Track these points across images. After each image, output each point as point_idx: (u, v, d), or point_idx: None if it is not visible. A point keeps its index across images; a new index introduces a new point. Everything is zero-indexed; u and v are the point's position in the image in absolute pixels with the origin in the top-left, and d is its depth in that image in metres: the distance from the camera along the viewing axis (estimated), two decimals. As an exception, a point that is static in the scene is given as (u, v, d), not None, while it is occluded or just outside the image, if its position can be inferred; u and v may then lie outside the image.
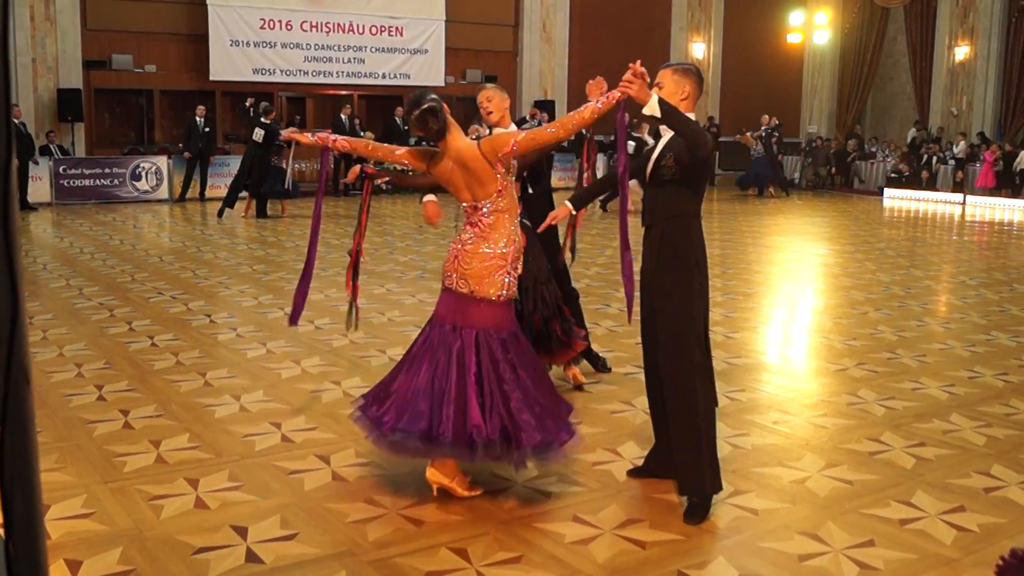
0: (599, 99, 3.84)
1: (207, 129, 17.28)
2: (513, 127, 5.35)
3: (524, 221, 5.34)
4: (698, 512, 3.91)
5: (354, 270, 4.64)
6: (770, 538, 3.76)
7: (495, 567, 3.50)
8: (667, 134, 4.05)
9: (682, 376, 3.90)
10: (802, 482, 4.36)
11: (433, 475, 4.03)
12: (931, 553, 3.67)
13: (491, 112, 5.43)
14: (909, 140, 22.78)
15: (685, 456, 3.92)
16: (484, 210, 3.96)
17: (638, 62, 3.73)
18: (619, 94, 3.72)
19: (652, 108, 3.65)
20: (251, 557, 3.55)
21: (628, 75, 3.67)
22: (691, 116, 3.89)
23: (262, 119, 15.06)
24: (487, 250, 3.96)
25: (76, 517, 3.87)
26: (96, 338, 7.00)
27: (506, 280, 3.96)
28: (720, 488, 3.99)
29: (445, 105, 4.00)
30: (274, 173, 15.05)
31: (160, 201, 17.53)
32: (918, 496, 4.21)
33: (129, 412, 5.24)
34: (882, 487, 4.32)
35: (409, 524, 3.85)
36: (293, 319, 4.50)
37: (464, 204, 4.04)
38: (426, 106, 3.91)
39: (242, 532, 3.74)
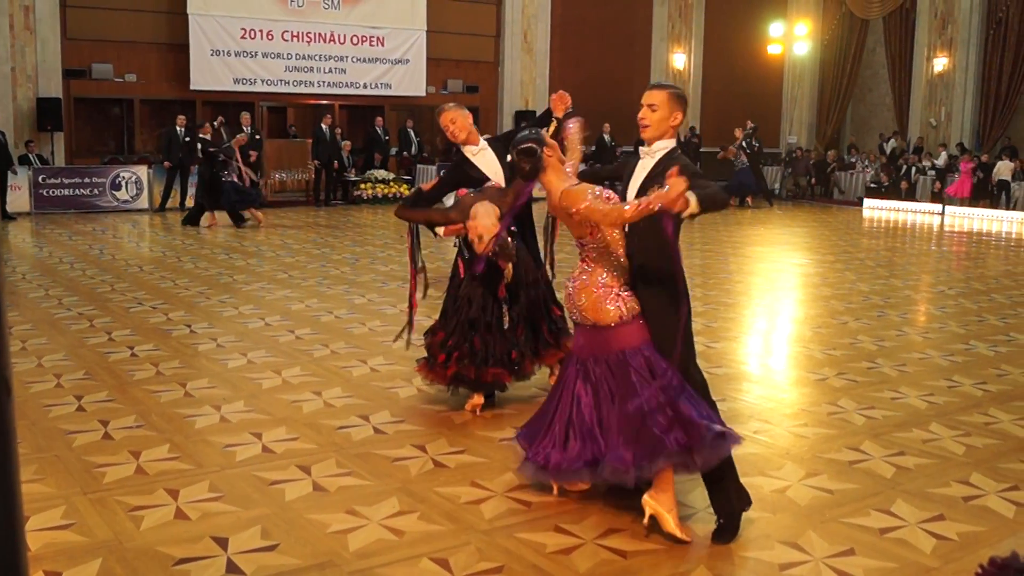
0: (648, 200, 3.49)
1: (187, 139, 17.21)
2: (483, 142, 5.46)
3: (512, 228, 5.39)
4: (727, 532, 3.87)
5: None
6: (751, 547, 3.78)
7: (477, 577, 3.49)
8: (651, 157, 3.94)
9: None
10: (783, 491, 4.38)
11: (650, 502, 3.83)
12: (911, 562, 3.70)
13: (457, 134, 5.50)
14: (888, 151, 22.94)
15: (711, 479, 3.90)
16: (588, 247, 3.97)
17: (675, 169, 3.49)
18: (660, 205, 3.47)
19: (693, 209, 3.47)
20: (232, 568, 3.53)
21: (675, 192, 3.39)
22: (672, 143, 3.91)
23: (199, 134, 15.11)
24: (591, 284, 3.93)
25: (56, 528, 3.85)
26: (75, 348, 6.95)
27: (619, 305, 3.89)
28: (748, 502, 3.94)
29: (546, 147, 4.01)
30: (227, 187, 14.77)
31: (140, 211, 17.43)
32: (898, 505, 4.23)
33: (109, 423, 5.20)
34: (862, 496, 4.35)
35: (390, 534, 3.84)
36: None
37: (576, 240, 4.05)
38: (522, 147, 3.99)
39: (223, 543, 3.72)
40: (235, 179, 14.79)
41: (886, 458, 4.86)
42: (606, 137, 21.23)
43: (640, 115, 3.90)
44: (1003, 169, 19.43)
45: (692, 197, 3.44)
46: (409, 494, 4.26)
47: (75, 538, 3.76)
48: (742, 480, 3.99)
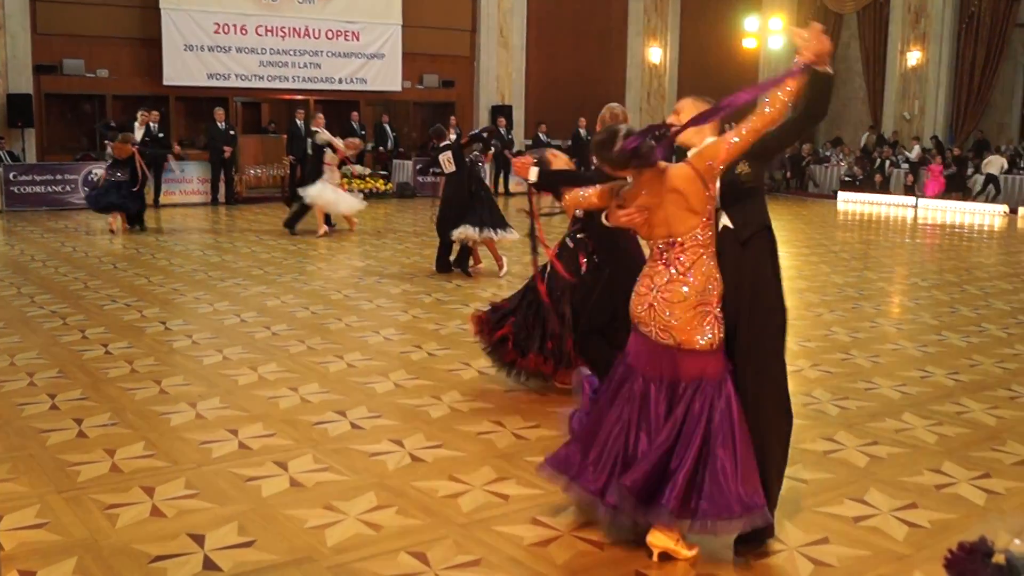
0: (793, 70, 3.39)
1: (161, 134, 17.15)
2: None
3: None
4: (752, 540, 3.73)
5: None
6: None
7: (454, 570, 3.52)
8: (701, 138, 3.65)
9: (775, 438, 3.71)
10: (758, 482, 4.42)
11: (656, 542, 3.60)
12: (884, 549, 3.75)
13: None
14: (863, 144, 23.14)
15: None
16: (684, 245, 3.54)
17: (817, 26, 3.36)
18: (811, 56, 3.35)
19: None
20: (209, 565, 3.53)
21: (812, 33, 3.32)
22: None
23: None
24: (688, 298, 3.51)
25: (30, 527, 3.83)
26: (49, 347, 6.90)
27: (715, 329, 3.54)
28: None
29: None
30: (110, 186, 13.49)
31: (113, 207, 17.30)
32: (871, 494, 4.29)
33: (83, 421, 5.18)
34: (836, 485, 4.41)
35: (368, 529, 3.85)
36: None
37: (656, 242, 3.63)
38: (631, 141, 3.49)
39: (199, 540, 3.72)
40: (126, 177, 13.41)
41: (860, 448, 4.92)
42: (581, 131, 21.31)
43: (669, 122, 3.68)
44: (994, 163, 19.57)
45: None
46: (386, 489, 4.27)
47: (50, 537, 3.75)
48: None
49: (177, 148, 16.20)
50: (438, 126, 10.68)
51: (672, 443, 3.51)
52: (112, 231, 13.26)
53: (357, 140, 14.58)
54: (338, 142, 13.33)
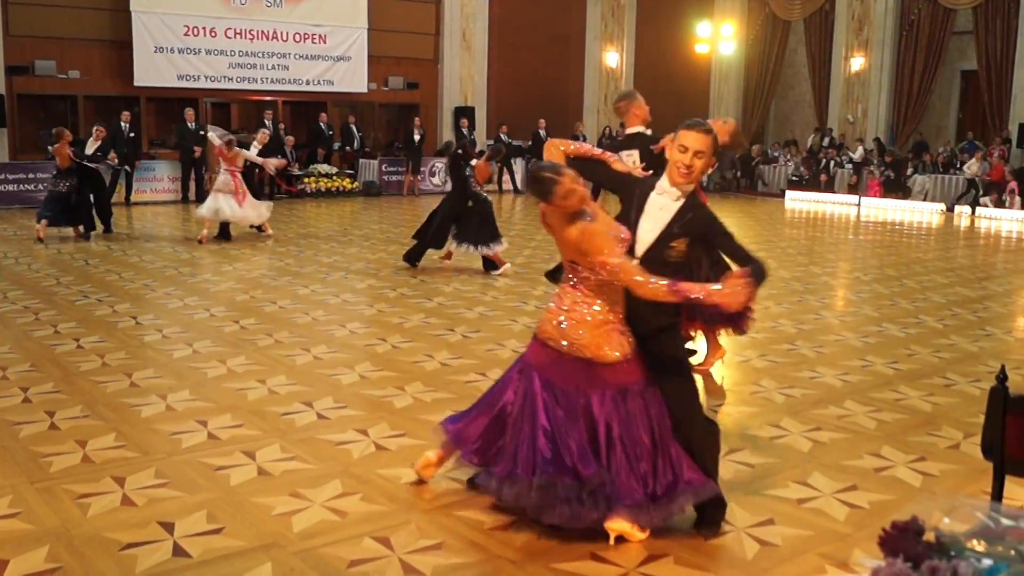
0: (707, 293, 3.48)
1: (132, 135, 17.12)
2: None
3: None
4: (712, 523, 3.94)
5: None
6: (677, 518, 3.91)
7: (417, 554, 3.62)
8: (670, 199, 3.69)
9: (701, 431, 3.88)
10: (708, 466, 4.59)
11: (613, 526, 3.71)
12: (826, 529, 3.92)
13: None
14: (809, 146, 23.58)
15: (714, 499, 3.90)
16: (587, 275, 3.69)
17: (744, 272, 3.43)
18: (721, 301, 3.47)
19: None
20: (178, 551, 3.60)
21: (738, 301, 3.40)
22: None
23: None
24: (593, 318, 3.71)
25: (2, 517, 3.89)
26: (21, 341, 6.92)
27: (621, 343, 3.72)
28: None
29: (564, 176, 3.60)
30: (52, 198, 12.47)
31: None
32: (814, 477, 4.47)
33: (55, 413, 5.22)
34: (781, 469, 4.58)
35: (333, 515, 3.95)
36: None
37: (566, 261, 3.80)
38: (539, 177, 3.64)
39: (169, 527, 3.79)
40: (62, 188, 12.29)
41: (804, 433, 5.12)
42: (541, 132, 21.53)
43: (685, 161, 3.62)
44: (973, 167, 19.90)
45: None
46: (351, 476, 4.36)
47: (22, 526, 3.80)
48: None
49: (113, 156, 15.98)
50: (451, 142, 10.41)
51: (595, 442, 3.71)
52: (39, 239, 12.03)
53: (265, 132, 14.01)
54: (267, 162, 12.89)
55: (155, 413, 5.29)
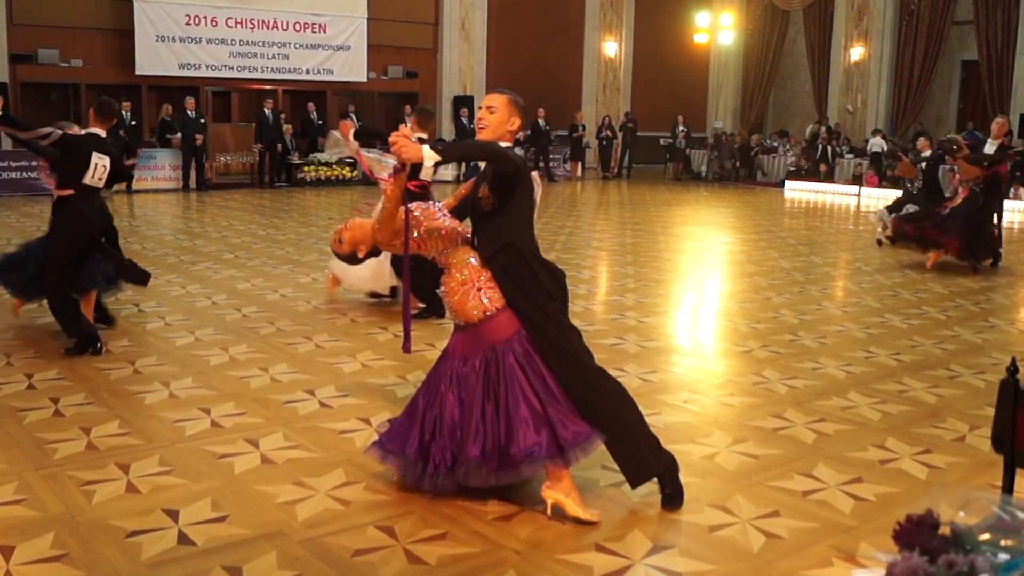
0: (385, 181, 3.90)
1: (133, 123, 17.20)
2: None
3: None
4: (673, 499, 3.99)
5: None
6: (683, 511, 3.94)
7: (421, 544, 3.61)
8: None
9: (583, 385, 3.88)
10: (711, 457, 4.58)
11: (549, 492, 3.84)
12: (832, 522, 3.90)
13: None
14: (808, 136, 23.56)
15: (621, 449, 3.93)
16: (439, 254, 4.00)
17: (402, 126, 3.82)
18: (396, 163, 3.78)
19: (430, 158, 3.58)
20: (183, 539, 3.60)
21: (393, 138, 3.60)
22: (507, 145, 3.89)
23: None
24: (453, 283, 3.94)
25: (8, 504, 3.88)
26: (24, 328, 6.93)
27: (480, 298, 3.88)
28: (666, 460, 4.00)
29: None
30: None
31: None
32: (819, 469, 4.46)
33: (59, 400, 5.22)
34: (785, 461, 4.57)
35: (337, 504, 3.94)
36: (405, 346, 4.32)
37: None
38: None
39: (173, 515, 3.79)
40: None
41: (808, 425, 5.11)
42: (540, 122, 21.49)
43: (478, 116, 3.97)
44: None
45: (423, 148, 3.55)
46: (355, 465, 4.35)
47: (27, 513, 3.80)
48: (673, 447, 4.16)
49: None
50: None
51: (495, 405, 3.80)
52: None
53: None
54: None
55: (158, 400, 5.29)
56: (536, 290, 3.85)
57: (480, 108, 3.97)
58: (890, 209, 12.29)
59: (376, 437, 4.20)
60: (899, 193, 13.20)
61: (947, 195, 12.13)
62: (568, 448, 3.77)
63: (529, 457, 3.73)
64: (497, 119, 3.90)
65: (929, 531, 1.79)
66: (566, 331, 3.90)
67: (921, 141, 12.31)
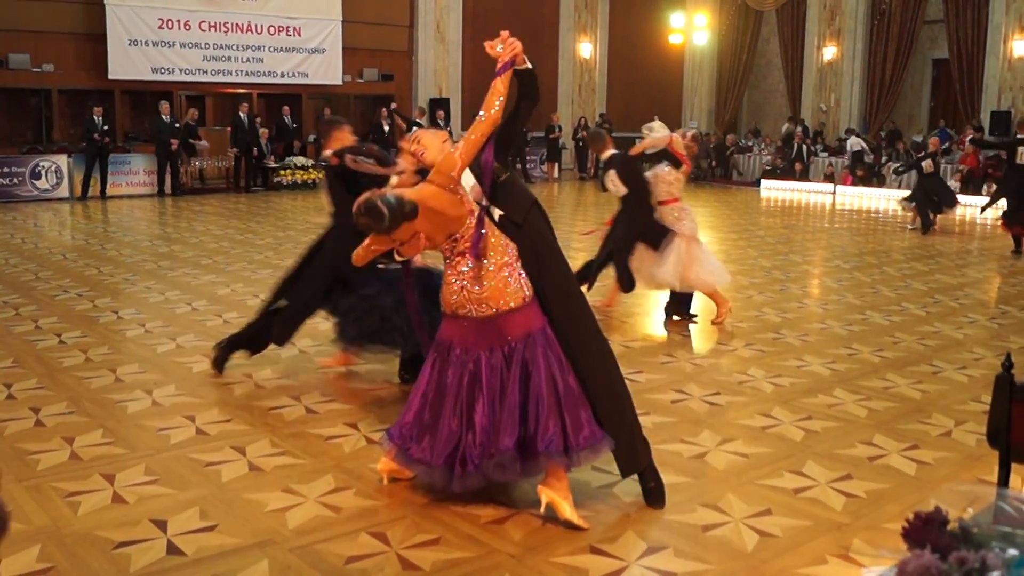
0: (498, 71, 4.01)
1: (106, 127, 17.02)
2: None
3: None
4: (658, 493, 4.01)
5: None
6: (675, 511, 3.94)
7: (414, 549, 3.58)
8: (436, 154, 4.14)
9: (604, 376, 3.93)
10: (701, 457, 4.59)
11: (546, 491, 3.79)
12: (824, 519, 3.91)
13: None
14: (784, 135, 23.68)
15: (620, 439, 3.93)
16: (465, 235, 3.81)
17: (504, 33, 4.06)
18: (508, 57, 4.04)
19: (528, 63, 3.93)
20: (172, 550, 3.55)
21: (501, 40, 4.02)
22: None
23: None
24: (486, 269, 3.80)
25: (-9, 516, 3.81)
26: (2, 337, 6.83)
27: (520, 283, 3.82)
28: (649, 454, 4.03)
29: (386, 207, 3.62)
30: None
31: (61, 199, 16.95)
32: (809, 466, 4.47)
33: (40, 410, 5.15)
34: (775, 459, 4.58)
35: (328, 511, 3.90)
36: None
37: (443, 247, 3.87)
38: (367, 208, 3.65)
39: (162, 525, 3.74)
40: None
41: (795, 423, 5.12)
42: (517, 124, 21.50)
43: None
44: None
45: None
46: (344, 471, 4.32)
47: (12, 525, 3.71)
48: (662, 447, 4.16)
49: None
50: (598, 131, 8.63)
51: (523, 397, 3.76)
52: None
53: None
54: None
55: (141, 409, 5.23)
56: (557, 245, 3.99)
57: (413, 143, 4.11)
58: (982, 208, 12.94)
59: (391, 441, 4.01)
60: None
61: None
62: (578, 449, 3.76)
63: (547, 450, 3.72)
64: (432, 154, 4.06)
65: (939, 528, 1.78)
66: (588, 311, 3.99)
67: (932, 140, 12.63)
